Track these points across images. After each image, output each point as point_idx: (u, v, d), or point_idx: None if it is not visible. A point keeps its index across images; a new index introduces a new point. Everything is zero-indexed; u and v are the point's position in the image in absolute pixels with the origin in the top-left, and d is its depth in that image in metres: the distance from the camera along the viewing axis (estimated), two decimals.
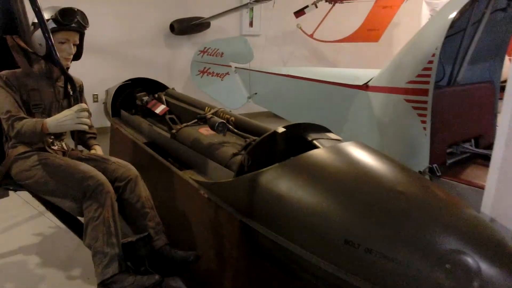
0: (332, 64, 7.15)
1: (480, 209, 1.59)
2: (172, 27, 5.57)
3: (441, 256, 1.25)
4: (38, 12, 1.83)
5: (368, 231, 1.38)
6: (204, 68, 5.01)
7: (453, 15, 2.44)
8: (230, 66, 4.96)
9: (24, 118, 2.04)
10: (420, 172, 2.55)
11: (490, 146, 2.90)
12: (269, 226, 1.67)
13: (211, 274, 2.08)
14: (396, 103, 2.74)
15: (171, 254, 2.06)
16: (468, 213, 1.42)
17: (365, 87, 3.17)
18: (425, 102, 2.48)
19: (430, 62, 2.44)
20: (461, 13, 2.56)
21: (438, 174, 2.52)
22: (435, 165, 2.54)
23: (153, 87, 3.76)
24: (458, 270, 1.22)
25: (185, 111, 3.14)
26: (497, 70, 3.12)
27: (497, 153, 1.53)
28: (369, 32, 5.56)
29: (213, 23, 5.86)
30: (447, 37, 2.91)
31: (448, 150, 2.84)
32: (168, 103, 3.30)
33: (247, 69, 4.74)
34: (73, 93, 2.07)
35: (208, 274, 2.11)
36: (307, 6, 5.68)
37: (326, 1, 5.70)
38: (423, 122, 2.52)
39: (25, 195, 2.51)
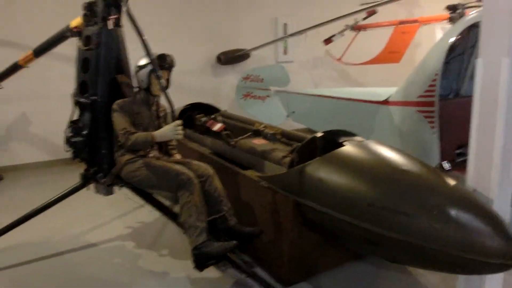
0: (359, 84, 7.84)
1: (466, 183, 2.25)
2: (219, 59, 6.46)
3: (431, 208, 1.92)
4: (153, 61, 2.65)
5: (383, 195, 2.07)
6: (248, 92, 5.83)
7: (450, 42, 3.12)
8: (270, 90, 5.75)
9: (135, 132, 2.86)
10: None
11: None
12: (315, 201, 2.38)
13: (271, 244, 2.79)
14: (410, 114, 3.41)
15: (241, 229, 2.78)
16: (455, 184, 2.07)
17: (386, 102, 3.86)
18: (433, 111, 3.15)
19: (434, 80, 3.12)
20: (460, 39, 3.24)
21: (447, 169, 3.15)
22: (445, 161, 3.17)
23: (207, 109, 4.58)
24: (442, 215, 1.88)
25: (238, 127, 3.92)
26: None
27: (473, 145, 2.19)
28: (391, 54, 6.23)
29: (252, 52, 6.71)
30: (452, 58, 3.60)
31: (458, 151, 3.46)
32: (224, 122, 4.08)
33: (285, 91, 5.52)
34: (172, 113, 2.84)
35: (269, 244, 2.81)
36: (334, 35, 6.46)
37: (351, 30, 6.47)
38: (432, 127, 3.18)
39: (128, 192, 3.33)
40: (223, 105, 5.36)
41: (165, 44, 5.90)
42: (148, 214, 3.98)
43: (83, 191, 3.29)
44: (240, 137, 3.60)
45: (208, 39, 6.55)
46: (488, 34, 2.05)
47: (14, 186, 5.14)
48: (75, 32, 3.30)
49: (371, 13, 5.86)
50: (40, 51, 4.03)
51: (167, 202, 3.33)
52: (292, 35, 5.43)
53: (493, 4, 2.03)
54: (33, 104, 5.82)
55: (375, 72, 7.58)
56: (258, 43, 6.31)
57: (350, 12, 5.15)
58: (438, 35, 6.00)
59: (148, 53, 2.62)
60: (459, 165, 3.32)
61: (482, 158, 2.14)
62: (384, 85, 5.14)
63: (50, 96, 5.84)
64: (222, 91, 6.75)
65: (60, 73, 5.61)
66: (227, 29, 6.72)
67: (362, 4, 6.84)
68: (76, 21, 3.31)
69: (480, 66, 2.06)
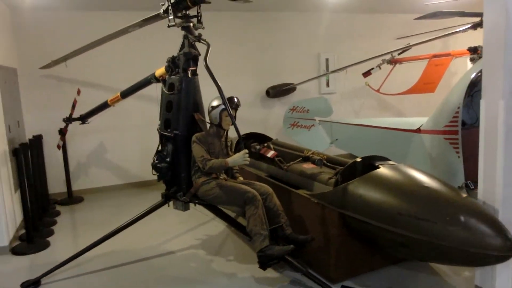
0: (397, 112, 8.37)
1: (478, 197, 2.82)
2: (267, 92, 7.26)
3: (445, 215, 2.50)
4: (226, 104, 3.41)
5: (409, 206, 2.67)
6: (294, 122, 6.54)
7: (469, 80, 3.69)
8: (315, 120, 6.44)
9: (211, 159, 3.61)
10: (458, 187, 3.70)
11: None
12: (356, 212, 3.00)
13: (321, 249, 3.41)
14: (438, 140, 3.97)
15: (296, 237, 3.42)
16: (466, 197, 2.65)
17: (418, 130, 4.44)
18: (457, 139, 3.71)
19: (457, 112, 3.68)
20: (480, 77, 3.79)
21: (471, 187, 3.66)
22: (469, 181, 3.69)
23: (260, 138, 5.31)
24: (453, 220, 2.46)
25: (288, 154, 4.60)
26: None
27: (481, 167, 2.76)
28: (426, 85, 6.72)
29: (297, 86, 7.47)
30: (475, 92, 4.14)
31: None
32: (275, 149, 4.78)
33: (329, 121, 6.19)
34: (240, 144, 3.57)
35: (319, 249, 3.43)
36: (372, 68, 7.09)
37: (388, 63, 7.08)
38: (457, 152, 3.72)
39: (200, 208, 4.08)
40: (272, 134, 6.07)
41: (223, 82, 6.83)
42: (213, 228, 4.73)
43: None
44: (292, 162, 4.29)
45: (258, 76, 7.40)
46: (488, 81, 2.66)
47: (94, 206, 6.10)
48: (160, 79, 4.17)
49: (406, 48, 6.44)
50: (126, 94, 4.97)
51: (232, 215, 4.04)
52: (334, 71, 6.12)
53: (490, 57, 2.64)
54: (109, 135, 6.82)
55: (412, 100, 8.10)
56: (302, 76, 7.07)
57: (387, 52, 5.77)
58: (470, 66, 6.50)
59: (222, 97, 3.39)
60: None
61: (489, 178, 2.71)
62: (422, 112, 5.70)
63: (123, 128, 6.85)
64: (270, 121, 7.52)
65: (132, 107, 6.61)
66: (274, 66, 7.54)
67: (398, 39, 7.51)
68: (160, 70, 4.16)
69: (483, 106, 2.65)
